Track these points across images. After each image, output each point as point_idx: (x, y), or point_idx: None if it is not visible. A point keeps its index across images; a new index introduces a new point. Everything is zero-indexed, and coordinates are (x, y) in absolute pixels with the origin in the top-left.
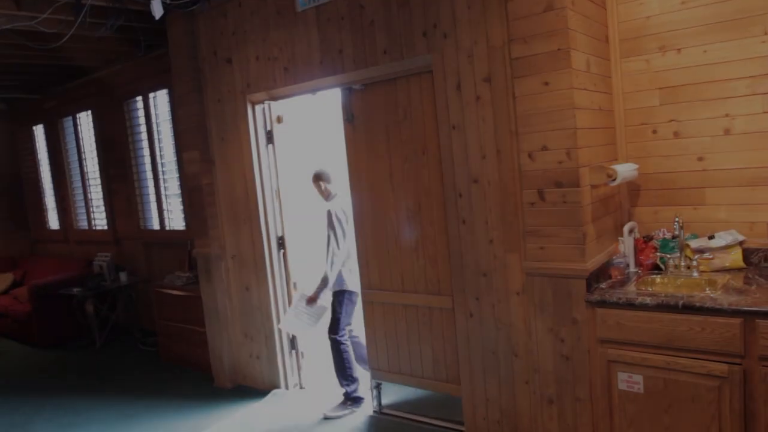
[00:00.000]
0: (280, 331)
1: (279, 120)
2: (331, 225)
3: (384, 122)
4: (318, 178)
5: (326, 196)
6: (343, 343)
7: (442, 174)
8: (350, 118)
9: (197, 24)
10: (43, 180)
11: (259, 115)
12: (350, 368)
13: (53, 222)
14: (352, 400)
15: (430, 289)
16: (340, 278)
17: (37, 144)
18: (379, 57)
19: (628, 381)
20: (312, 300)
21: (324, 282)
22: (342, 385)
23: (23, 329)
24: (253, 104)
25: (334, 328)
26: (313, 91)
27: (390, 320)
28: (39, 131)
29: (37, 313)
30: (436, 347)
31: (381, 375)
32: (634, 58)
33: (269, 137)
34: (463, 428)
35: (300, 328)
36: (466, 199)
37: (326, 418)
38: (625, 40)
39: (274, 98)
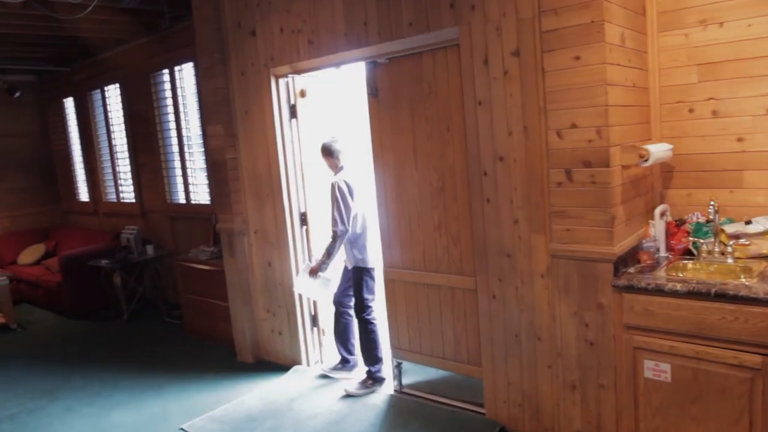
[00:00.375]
0: (302, 307)
1: (302, 94)
2: (333, 198)
3: (408, 97)
4: (324, 151)
5: (334, 169)
6: (371, 323)
7: (466, 151)
8: (374, 93)
9: None
10: (73, 152)
11: (282, 88)
12: (377, 348)
13: (83, 194)
14: (374, 379)
15: (452, 269)
16: (358, 255)
17: (67, 116)
18: (404, 29)
19: (655, 369)
20: (314, 272)
21: (327, 255)
22: (366, 364)
23: (54, 299)
24: (277, 78)
25: (360, 307)
26: (337, 64)
27: (412, 300)
28: (69, 104)
29: (68, 283)
30: (457, 328)
31: (402, 354)
32: (672, 32)
33: (293, 112)
34: (483, 410)
35: (309, 292)
36: (491, 177)
37: (347, 395)
38: (664, 12)
39: (298, 72)
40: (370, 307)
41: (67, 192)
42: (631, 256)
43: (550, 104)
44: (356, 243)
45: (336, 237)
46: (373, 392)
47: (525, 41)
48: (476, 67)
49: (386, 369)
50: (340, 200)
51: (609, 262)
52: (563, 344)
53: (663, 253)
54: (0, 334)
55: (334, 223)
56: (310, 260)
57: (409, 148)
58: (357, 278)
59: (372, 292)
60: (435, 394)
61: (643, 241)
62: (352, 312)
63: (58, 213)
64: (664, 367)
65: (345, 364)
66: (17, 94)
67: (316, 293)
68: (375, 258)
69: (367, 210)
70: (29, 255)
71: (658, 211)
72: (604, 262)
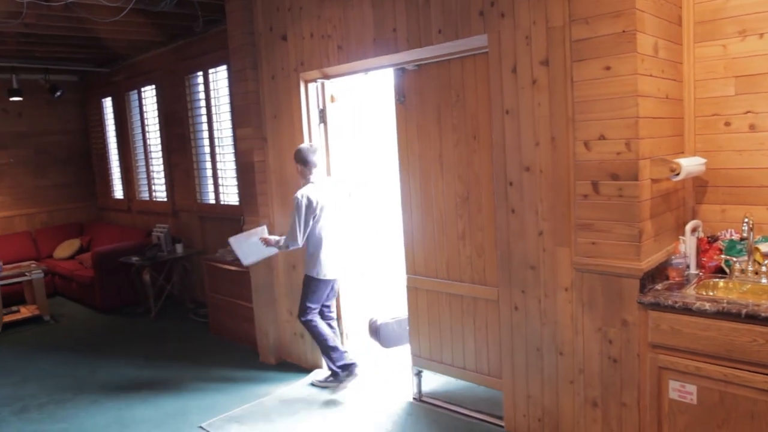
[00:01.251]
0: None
1: (332, 99)
2: (294, 211)
3: (436, 104)
4: (298, 158)
5: (303, 179)
6: (311, 320)
7: (492, 160)
8: (402, 99)
9: None
10: (110, 151)
11: (312, 93)
12: (326, 340)
13: (118, 192)
14: (342, 368)
15: (475, 278)
16: (310, 266)
17: (105, 116)
18: (433, 36)
19: (680, 390)
20: (266, 242)
21: (281, 244)
22: (326, 362)
23: (86, 293)
24: (306, 82)
25: (300, 311)
26: (366, 70)
27: (433, 308)
28: (107, 104)
29: (100, 279)
30: (479, 339)
31: (422, 362)
32: (709, 43)
33: (322, 116)
34: (502, 423)
35: (240, 251)
36: (517, 187)
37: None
38: (701, 23)
39: (327, 77)
40: (308, 313)
41: (103, 189)
42: (659, 273)
43: (578, 115)
44: (312, 255)
45: (287, 247)
46: (338, 386)
47: (555, 50)
48: (505, 75)
49: (350, 352)
50: (296, 215)
51: (635, 278)
52: (586, 360)
53: (693, 271)
54: (33, 326)
55: (289, 235)
56: (269, 233)
57: (436, 155)
58: (305, 285)
59: (314, 301)
60: (454, 403)
61: (673, 257)
62: (312, 317)
63: (93, 209)
64: (690, 388)
65: (335, 376)
66: (58, 93)
67: (245, 254)
68: (332, 270)
69: (331, 224)
70: (65, 249)
71: (689, 226)
72: (630, 278)
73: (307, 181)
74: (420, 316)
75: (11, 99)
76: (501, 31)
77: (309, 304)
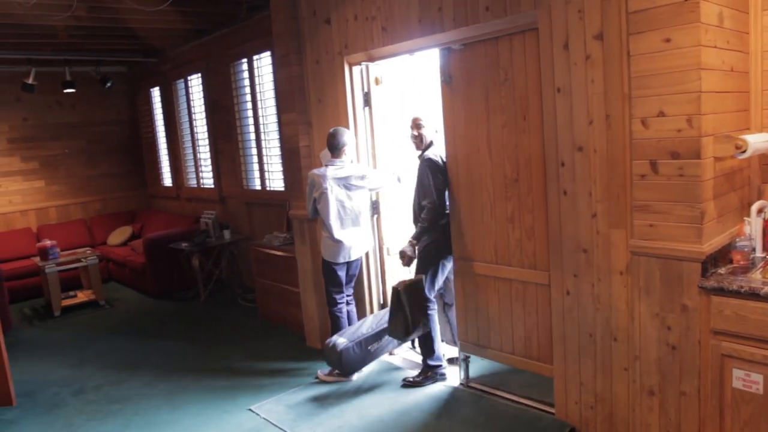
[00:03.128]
0: (370, 295)
1: (377, 82)
2: None
3: (483, 84)
4: (336, 141)
5: (324, 160)
6: (332, 310)
7: (543, 140)
8: (448, 80)
9: None
10: (158, 139)
11: (356, 76)
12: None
13: (167, 179)
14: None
15: (525, 262)
16: (321, 245)
17: (153, 105)
18: (480, 14)
19: (745, 379)
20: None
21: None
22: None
23: (138, 278)
24: (351, 65)
25: (327, 300)
26: (411, 51)
27: (482, 293)
28: (155, 93)
29: (151, 264)
30: (528, 324)
31: (469, 348)
32: None
33: (366, 99)
34: (553, 410)
35: None
36: (569, 168)
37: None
38: None
39: (372, 59)
40: (332, 301)
41: (152, 177)
42: (723, 256)
43: (635, 91)
44: (322, 237)
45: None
46: (344, 380)
47: (609, 23)
48: (556, 52)
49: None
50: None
51: (696, 262)
52: (642, 347)
53: (759, 254)
54: (90, 310)
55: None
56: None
57: (483, 136)
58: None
59: (332, 286)
60: (502, 389)
61: (737, 239)
62: (338, 308)
63: (144, 197)
64: (756, 377)
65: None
66: (109, 84)
67: None
68: (333, 254)
69: (338, 209)
70: (118, 236)
71: (755, 207)
72: (690, 261)
73: (326, 163)
74: (468, 301)
75: (65, 91)
76: (552, 6)
77: (330, 288)
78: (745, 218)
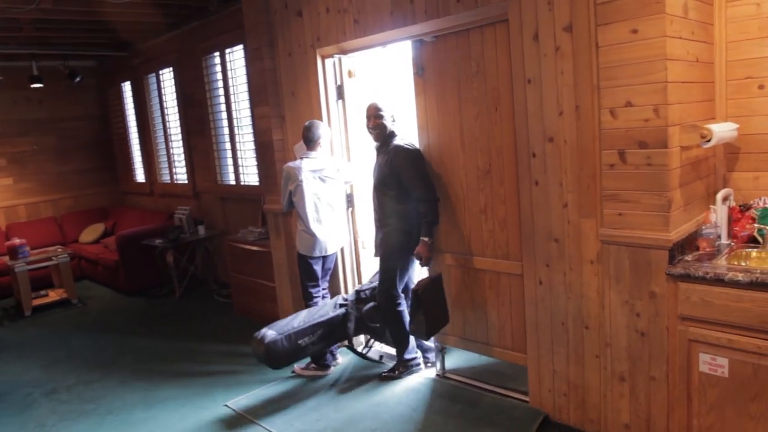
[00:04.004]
0: (345, 290)
1: (350, 74)
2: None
3: (455, 76)
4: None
5: (300, 153)
6: (308, 305)
7: (515, 132)
8: (420, 72)
9: None
10: (130, 135)
11: (329, 69)
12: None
13: (140, 175)
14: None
15: (498, 253)
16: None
17: (125, 100)
18: (451, 6)
19: (711, 363)
20: None
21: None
22: None
23: (111, 276)
24: (323, 58)
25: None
26: (384, 44)
27: (455, 284)
28: (127, 88)
29: (124, 261)
30: (502, 314)
31: (445, 339)
32: (742, 2)
33: (339, 92)
34: (527, 398)
35: None
36: (540, 159)
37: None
38: None
39: (344, 52)
40: (310, 293)
41: (125, 173)
42: (689, 243)
43: (603, 81)
44: (298, 230)
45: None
46: (320, 374)
47: (578, 15)
48: (526, 43)
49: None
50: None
51: (664, 249)
52: (612, 334)
53: (725, 241)
54: (62, 309)
55: None
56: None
57: (456, 128)
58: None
59: (307, 279)
60: (478, 379)
61: (703, 227)
62: (315, 304)
63: (117, 193)
64: (722, 361)
65: (317, 361)
66: (78, 79)
67: None
68: (306, 247)
69: (313, 201)
70: (90, 233)
71: (720, 195)
72: (658, 249)
73: (300, 156)
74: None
75: (32, 86)
76: None
77: (306, 282)
78: (711, 206)
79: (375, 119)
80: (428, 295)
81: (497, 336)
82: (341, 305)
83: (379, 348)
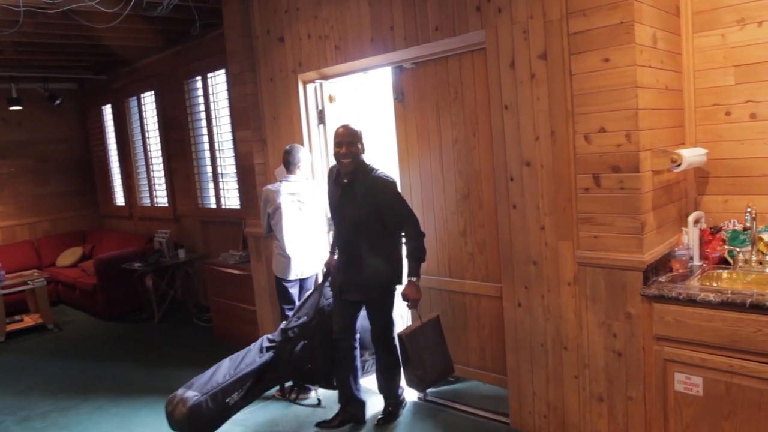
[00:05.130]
0: None
1: (331, 99)
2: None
3: (435, 102)
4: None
5: (281, 176)
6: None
7: (493, 156)
8: (400, 97)
9: (251, 2)
10: (110, 158)
11: (310, 94)
12: None
13: (120, 198)
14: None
15: (477, 275)
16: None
17: (105, 123)
18: (430, 34)
19: (686, 383)
20: None
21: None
22: None
23: (89, 300)
24: (305, 83)
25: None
26: (364, 69)
27: (436, 306)
28: (107, 111)
29: (102, 285)
30: (482, 336)
31: None
32: (708, 33)
33: (320, 117)
34: (508, 420)
35: None
36: (518, 182)
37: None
38: (699, 12)
39: (326, 77)
40: (287, 316)
41: (104, 196)
42: (663, 265)
43: (578, 108)
44: (274, 252)
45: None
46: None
47: (552, 44)
48: (503, 70)
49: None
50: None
51: (638, 271)
52: (590, 354)
53: (697, 262)
54: (37, 334)
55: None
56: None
57: (435, 152)
58: None
59: (287, 302)
60: (459, 402)
61: (676, 249)
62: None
63: (96, 217)
64: (696, 380)
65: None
66: (58, 101)
67: None
68: (282, 270)
69: (292, 224)
70: (67, 257)
71: (691, 218)
72: (633, 271)
73: (281, 180)
74: (422, 315)
75: (11, 108)
76: (498, 26)
77: (283, 306)
78: (683, 228)
79: (348, 146)
80: (417, 341)
81: (478, 358)
82: (268, 348)
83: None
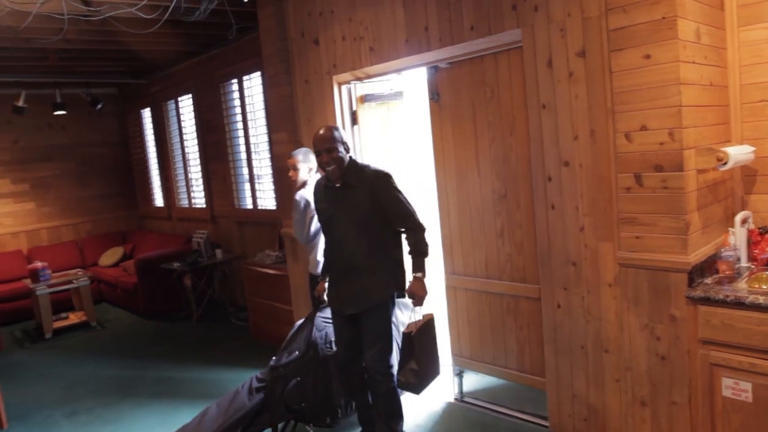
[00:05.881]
0: None
1: (362, 100)
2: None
3: (470, 101)
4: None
5: (299, 179)
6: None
7: (530, 156)
8: (435, 98)
9: (286, 5)
10: (149, 160)
11: (345, 95)
12: None
13: (158, 200)
14: None
15: (515, 276)
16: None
17: (144, 126)
18: (465, 33)
19: (734, 388)
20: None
21: None
22: None
23: (130, 299)
24: (339, 85)
25: None
26: (399, 70)
27: (473, 307)
28: (146, 114)
29: (143, 284)
30: (521, 337)
31: (463, 362)
32: (754, 26)
33: (354, 118)
34: (546, 423)
35: None
36: (556, 182)
37: None
38: (744, 5)
39: (360, 78)
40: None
41: (144, 197)
42: (708, 266)
43: (618, 106)
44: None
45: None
46: None
47: (591, 41)
48: (540, 69)
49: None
50: (294, 214)
51: (683, 272)
52: (632, 357)
53: (744, 264)
54: (81, 331)
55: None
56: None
57: (471, 152)
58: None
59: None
60: (496, 403)
61: (722, 249)
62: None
63: (135, 217)
64: (745, 386)
65: None
66: (99, 106)
67: None
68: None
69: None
70: (109, 257)
71: (738, 217)
72: (677, 272)
73: (305, 182)
74: (459, 316)
75: (55, 113)
76: (535, 25)
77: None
78: (730, 229)
79: (329, 153)
80: (422, 340)
81: (515, 360)
82: (258, 389)
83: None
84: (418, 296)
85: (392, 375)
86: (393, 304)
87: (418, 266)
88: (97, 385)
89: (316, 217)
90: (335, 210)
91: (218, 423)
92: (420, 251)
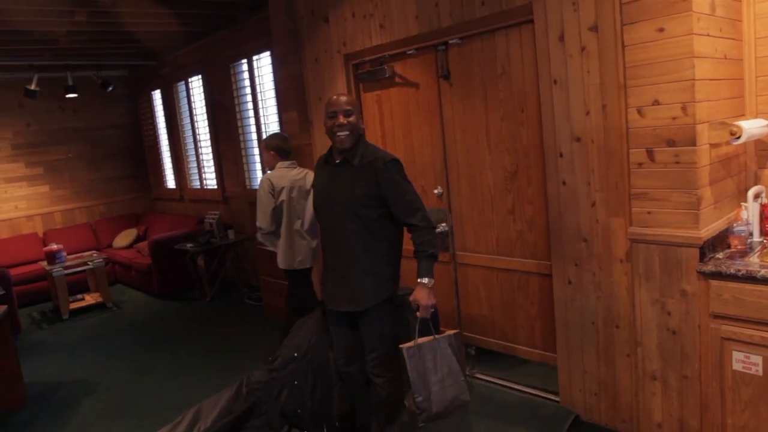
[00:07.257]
0: None
1: None
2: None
3: (481, 78)
4: (265, 145)
5: (268, 166)
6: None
7: (541, 132)
8: (445, 74)
9: None
10: (161, 142)
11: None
12: None
13: (170, 181)
14: None
15: (526, 253)
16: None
17: (155, 108)
18: (476, 8)
19: (745, 362)
20: None
21: None
22: None
23: (144, 280)
24: (350, 62)
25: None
26: (409, 47)
27: (484, 284)
28: (157, 96)
29: (157, 266)
30: (531, 314)
31: (474, 339)
32: None
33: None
34: (557, 398)
35: None
36: (568, 158)
37: None
38: None
39: (370, 56)
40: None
41: (156, 179)
42: (720, 241)
43: (630, 80)
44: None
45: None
46: None
47: (603, 15)
48: (551, 44)
49: None
50: (258, 200)
51: (694, 247)
52: (643, 332)
53: (756, 238)
54: (97, 312)
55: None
56: None
57: (482, 129)
58: None
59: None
60: (508, 380)
61: (734, 224)
62: None
63: (148, 199)
64: (755, 359)
65: None
66: (110, 88)
67: None
68: (286, 263)
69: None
70: (123, 239)
71: (751, 192)
72: (689, 247)
73: (275, 166)
74: (470, 293)
75: (67, 96)
76: None
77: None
78: (742, 203)
79: (346, 116)
80: (427, 361)
81: (526, 336)
82: (249, 392)
83: None
84: (423, 306)
85: (394, 382)
86: (395, 305)
87: (424, 270)
88: (114, 364)
89: (279, 205)
90: (329, 187)
91: (204, 426)
92: (427, 253)
